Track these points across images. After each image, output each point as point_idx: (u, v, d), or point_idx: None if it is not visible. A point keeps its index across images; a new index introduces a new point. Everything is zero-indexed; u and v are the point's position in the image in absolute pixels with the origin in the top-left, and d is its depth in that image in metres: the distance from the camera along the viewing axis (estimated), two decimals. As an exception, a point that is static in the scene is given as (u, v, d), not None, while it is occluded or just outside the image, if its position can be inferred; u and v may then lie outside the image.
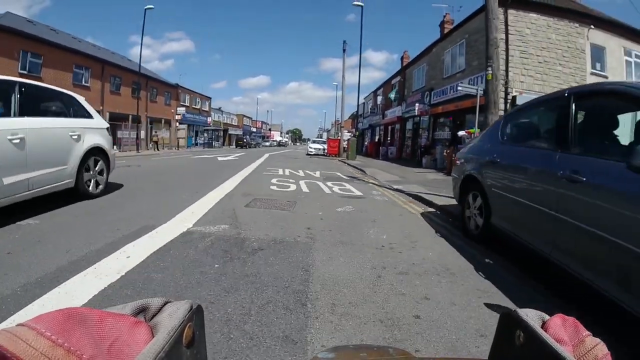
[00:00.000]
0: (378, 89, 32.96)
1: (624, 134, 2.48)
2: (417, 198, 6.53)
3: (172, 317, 0.32)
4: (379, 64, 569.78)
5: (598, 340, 0.34)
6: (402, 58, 28.62)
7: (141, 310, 0.33)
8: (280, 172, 10.33)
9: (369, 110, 35.54)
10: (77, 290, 2.04)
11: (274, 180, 7.94)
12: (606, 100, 2.42)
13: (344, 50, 24.51)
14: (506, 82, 12.84)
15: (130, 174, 8.10)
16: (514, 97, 12.61)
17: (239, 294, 2.09)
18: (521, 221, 2.87)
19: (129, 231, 3.30)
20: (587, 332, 0.35)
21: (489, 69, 5.77)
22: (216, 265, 2.53)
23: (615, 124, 2.39)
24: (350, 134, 32.55)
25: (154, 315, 0.33)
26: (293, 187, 7.14)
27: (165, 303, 0.34)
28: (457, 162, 4.53)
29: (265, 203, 5.11)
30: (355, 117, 36.76)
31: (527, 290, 2.50)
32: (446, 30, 19.22)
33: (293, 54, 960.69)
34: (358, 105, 28.05)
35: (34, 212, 3.80)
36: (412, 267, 2.76)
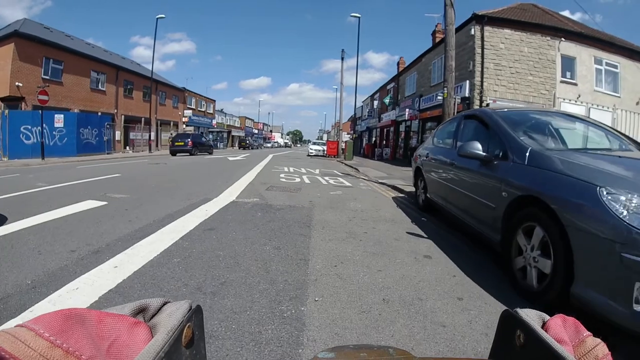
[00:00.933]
0: (375, 93, 34.89)
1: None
2: (394, 188, 8.41)
3: (171, 317, 0.33)
4: (379, 65, 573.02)
5: (598, 340, 0.35)
6: (398, 64, 30.52)
7: (140, 311, 0.33)
8: (286, 169, 12.26)
9: (367, 114, 37.51)
10: (188, 222, 3.92)
11: (282, 175, 9.87)
12: (473, 119, 4.29)
13: (342, 59, 26.48)
14: (481, 92, 14.76)
15: (166, 169, 10.02)
16: (487, 105, 14.50)
17: (275, 223, 4.01)
18: (437, 192, 4.75)
19: (198, 199, 5.24)
20: (588, 333, 0.35)
21: (445, 89, 7.65)
22: (259, 214, 4.46)
23: (474, 132, 4.23)
24: (349, 135, 34.45)
25: (153, 316, 0.34)
26: (298, 179, 9.05)
27: (165, 303, 0.35)
28: (416, 158, 6.41)
29: (279, 188, 7.03)
30: (354, 120, 38.69)
31: (437, 230, 4.35)
32: (437, 40, 21.13)
33: (294, 55, 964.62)
34: (355, 109, 29.98)
35: (125, 193, 5.71)
36: (371, 218, 4.67)
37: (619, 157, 2.69)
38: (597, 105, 15.49)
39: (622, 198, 1.91)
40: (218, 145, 46.78)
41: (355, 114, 34.04)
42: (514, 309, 0.39)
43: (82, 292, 2.15)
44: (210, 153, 24.45)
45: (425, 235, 3.96)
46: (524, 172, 2.68)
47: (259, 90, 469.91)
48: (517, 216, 2.68)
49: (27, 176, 8.31)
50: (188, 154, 21.30)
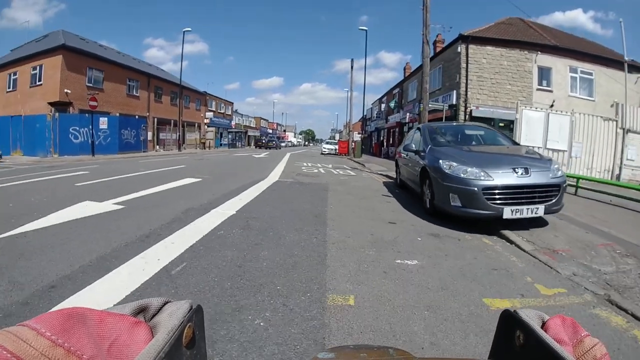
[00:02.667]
0: (383, 97, 37.77)
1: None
2: (387, 176, 11.49)
3: (172, 317, 0.33)
4: (392, 64, 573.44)
5: (597, 340, 0.35)
6: (404, 69, 33.47)
7: (141, 310, 0.34)
8: (305, 164, 15.51)
9: (375, 115, 40.45)
10: (258, 188, 7.07)
11: (303, 168, 13.12)
12: (418, 129, 7.32)
13: (351, 67, 29.52)
14: (465, 100, 17.64)
15: (212, 163, 13.35)
16: (471, 111, 17.38)
17: (308, 189, 7.21)
18: (403, 173, 7.81)
19: (253, 179, 8.48)
20: (586, 332, 0.36)
21: (421, 105, 10.66)
22: (296, 186, 7.67)
23: (418, 136, 7.24)
24: (360, 135, 37.43)
25: (153, 315, 0.34)
26: (316, 170, 12.29)
27: (165, 303, 0.35)
28: (396, 154, 9.45)
29: (304, 175, 10.28)
30: (363, 121, 41.64)
31: (400, 194, 7.39)
32: (437, 49, 23.86)
33: (307, 56, 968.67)
34: (364, 111, 32.98)
35: (204, 176, 8.97)
36: (364, 189, 7.81)
37: (469, 149, 5.74)
38: (557, 111, 17.51)
39: (447, 163, 4.97)
40: (237, 144, 50.27)
41: (364, 115, 36.99)
42: (514, 309, 0.39)
43: (228, 208, 5.28)
44: (278, 148, 44.68)
45: (392, 195, 7.07)
46: (426, 157, 5.76)
47: (271, 90, 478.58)
48: (423, 176, 5.75)
49: (110, 166, 11.42)
50: (266, 147, 42.68)
